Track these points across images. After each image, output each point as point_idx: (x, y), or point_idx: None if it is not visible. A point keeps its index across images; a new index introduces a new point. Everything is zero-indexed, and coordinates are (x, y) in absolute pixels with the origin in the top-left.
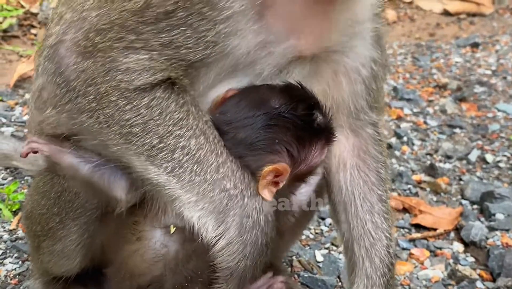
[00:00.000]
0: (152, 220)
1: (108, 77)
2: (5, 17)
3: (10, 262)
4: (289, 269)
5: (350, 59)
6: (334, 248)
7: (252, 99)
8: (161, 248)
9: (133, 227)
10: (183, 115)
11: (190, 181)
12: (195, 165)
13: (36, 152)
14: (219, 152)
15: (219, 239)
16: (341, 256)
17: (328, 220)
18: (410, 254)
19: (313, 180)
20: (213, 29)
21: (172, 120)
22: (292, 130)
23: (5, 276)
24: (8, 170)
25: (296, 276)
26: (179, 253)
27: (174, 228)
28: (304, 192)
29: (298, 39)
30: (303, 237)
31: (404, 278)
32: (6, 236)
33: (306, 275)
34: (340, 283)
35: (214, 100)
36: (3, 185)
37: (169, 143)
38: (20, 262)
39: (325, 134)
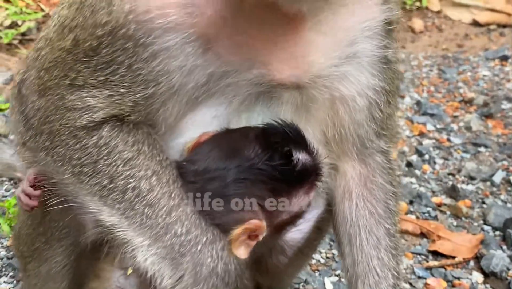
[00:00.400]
0: (112, 260)
1: (58, 115)
2: (23, 21)
3: (4, 281)
4: None
5: (343, 86)
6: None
7: (224, 148)
8: (104, 285)
9: (95, 263)
10: (133, 155)
11: (141, 224)
12: (146, 208)
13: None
14: (173, 194)
15: (174, 287)
16: None
17: None
18: (426, 284)
19: (312, 215)
20: (146, 68)
21: (121, 160)
22: (267, 183)
23: None
24: (12, 181)
25: None
26: None
27: (131, 270)
28: (302, 228)
29: (266, 67)
30: (313, 261)
31: None
32: (2, 253)
33: None
34: None
35: (186, 145)
36: (6, 196)
37: (119, 184)
38: (14, 282)
39: (309, 177)
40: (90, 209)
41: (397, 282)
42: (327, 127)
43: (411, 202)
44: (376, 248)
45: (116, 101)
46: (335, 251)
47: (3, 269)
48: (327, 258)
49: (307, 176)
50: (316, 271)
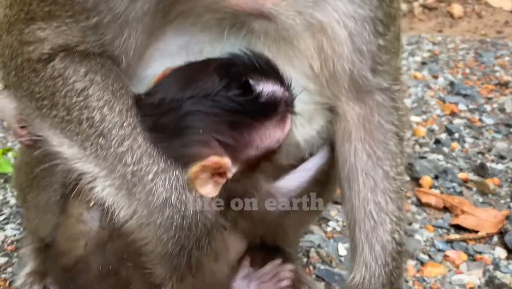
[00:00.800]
0: (77, 194)
1: (19, 50)
2: None
3: (11, 228)
4: (305, 259)
5: (319, 13)
6: None
7: (181, 79)
8: (80, 225)
9: (65, 200)
10: (85, 85)
11: (97, 154)
12: (100, 138)
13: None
14: (125, 124)
15: (130, 219)
16: None
17: None
18: (445, 256)
19: (311, 164)
20: None
21: (74, 92)
22: (223, 116)
23: (3, 241)
24: None
25: (312, 267)
26: (99, 232)
27: (92, 203)
28: (298, 176)
29: None
30: (329, 229)
31: (435, 281)
32: (12, 201)
33: (322, 268)
34: None
35: (151, 81)
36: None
37: (75, 116)
38: (21, 229)
39: (277, 110)
40: (53, 142)
41: (395, 227)
42: (314, 61)
43: (436, 177)
44: (373, 192)
45: (64, 32)
46: None
47: (11, 216)
48: (344, 226)
49: (274, 108)
50: (331, 238)
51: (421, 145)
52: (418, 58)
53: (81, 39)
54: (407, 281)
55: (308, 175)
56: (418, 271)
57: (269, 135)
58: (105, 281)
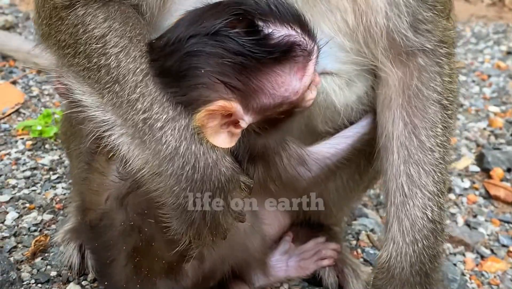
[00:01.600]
0: (101, 146)
1: None
2: None
3: (62, 187)
4: (354, 242)
5: None
6: None
7: (189, 19)
8: (102, 178)
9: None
10: (104, 31)
11: (113, 102)
12: (116, 84)
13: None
14: (137, 70)
15: (142, 169)
16: None
17: None
18: (509, 252)
19: (351, 132)
20: None
21: (94, 38)
22: (225, 56)
23: (52, 199)
24: None
25: (359, 250)
26: (119, 184)
27: (111, 154)
28: (335, 143)
29: None
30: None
31: (495, 276)
32: (67, 162)
33: (372, 252)
34: None
35: None
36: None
37: (94, 62)
38: (71, 188)
39: (289, 55)
40: (77, 91)
41: (428, 202)
42: (348, 15)
43: (508, 170)
44: (406, 163)
45: None
46: None
47: (64, 176)
48: None
49: (285, 53)
50: None
51: (496, 136)
52: (503, 48)
53: None
54: (464, 275)
55: (346, 142)
56: (477, 265)
57: (282, 83)
58: (129, 237)
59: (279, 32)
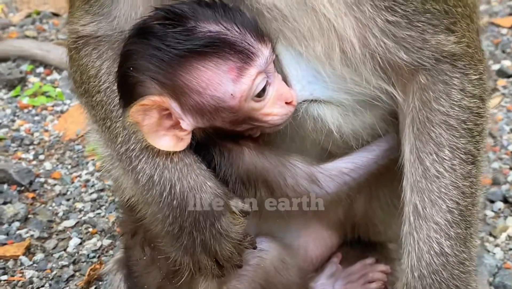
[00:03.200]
0: None
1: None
2: None
3: None
4: None
5: None
6: (491, 239)
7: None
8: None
9: None
10: (96, 71)
11: (108, 138)
12: (107, 120)
13: None
14: (119, 104)
15: (131, 199)
16: (496, 250)
17: (498, 204)
18: None
19: (372, 148)
20: None
21: (91, 78)
22: (151, 52)
23: (113, 222)
24: None
25: None
26: (132, 220)
27: None
28: (352, 158)
29: None
30: None
31: None
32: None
33: None
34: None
35: None
36: None
37: (94, 100)
38: None
39: (217, 53)
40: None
41: (434, 235)
42: (320, 45)
43: None
44: (412, 191)
45: (83, 21)
46: (489, 212)
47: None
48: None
49: (206, 47)
50: None
51: None
52: None
53: (95, 28)
54: None
55: (367, 157)
56: None
57: (208, 80)
58: (150, 274)
59: (205, 27)
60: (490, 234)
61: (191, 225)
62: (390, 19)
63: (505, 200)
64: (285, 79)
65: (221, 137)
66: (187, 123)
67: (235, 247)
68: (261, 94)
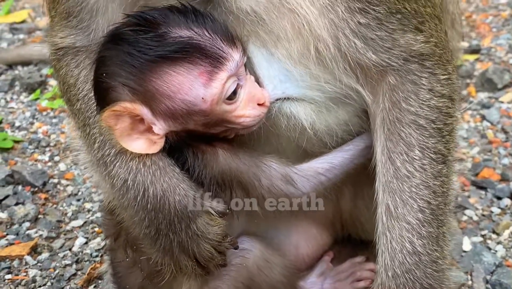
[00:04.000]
0: None
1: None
2: None
3: None
4: None
5: None
6: (494, 236)
7: None
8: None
9: None
10: (75, 80)
11: (87, 144)
12: (86, 127)
13: None
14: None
15: (110, 203)
16: (498, 247)
17: (506, 201)
18: None
19: (348, 146)
20: None
21: (71, 86)
22: (122, 58)
23: None
24: None
25: None
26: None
27: None
28: (328, 158)
29: None
30: (464, 218)
31: None
32: None
33: None
34: (470, 282)
35: None
36: None
37: (75, 108)
38: None
39: (187, 57)
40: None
41: (406, 235)
42: (295, 44)
43: None
44: (384, 191)
45: (62, 34)
46: (495, 209)
47: None
48: (483, 215)
49: (176, 52)
50: (462, 229)
51: None
52: None
53: (73, 40)
54: None
55: (343, 157)
56: None
57: (179, 85)
58: (133, 275)
59: (176, 33)
60: (493, 231)
61: (167, 227)
62: (362, 21)
63: None
64: (257, 80)
65: (194, 140)
66: (159, 127)
67: (215, 247)
68: (232, 97)
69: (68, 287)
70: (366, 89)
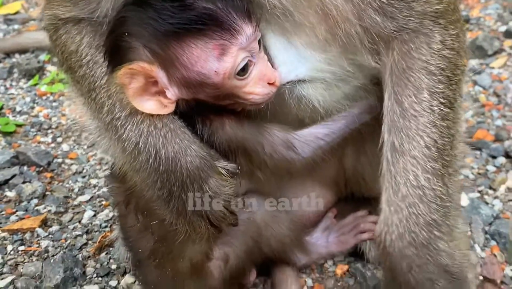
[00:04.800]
0: None
1: (46, 23)
2: None
3: None
4: None
5: None
6: (491, 192)
7: None
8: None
9: None
10: (77, 46)
11: (92, 109)
12: (91, 92)
13: None
14: (103, 74)
15: (122, 167)
16: (495, 201)
17: (500, 160)
18: None
19: (347, 113)
20: None
21: (72, 53)
22: (147, 21)
23: None
24: None
25: None
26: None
27: None
28: (328, 124)
29: None
30: (461, 177)
31: None
32: None
33: None
34: (469, 233)
35: None
36: None
37: (78, 75)
38: None
39: (208, 31)
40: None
41: (411, 168)
42: (317, 29)
43: None
44: (389, 132)
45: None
46: (490, 167)
47: None
48: (479, 174)
49: (198, 24)
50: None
51: None
52: None
53: (76, 13)
54: None
55: (341, 122)
56: None
57: (197, 57)
58: (144, 239)
59: (201, 5)
60: (490, 187)
61: (180, 188)
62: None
63: (507, 155)
64: (271, 61)
65: (203, 109)
66: (172, 93)
67: (226, 207)
68: (243, 73)
69: (80, 255)
70: (381, 48)
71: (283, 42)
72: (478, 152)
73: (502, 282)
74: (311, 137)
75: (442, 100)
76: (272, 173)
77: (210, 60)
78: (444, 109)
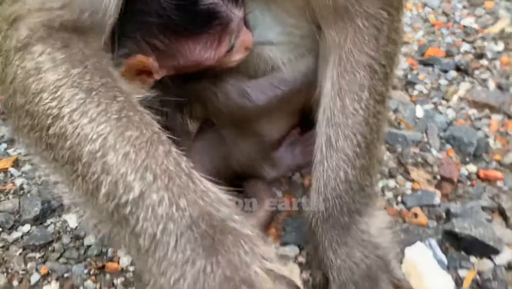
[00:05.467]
0: None
1: None
2: None
3: None
4: None
5: None
6: (444, 102)
7: None
8: None
9: None
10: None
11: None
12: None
13: None
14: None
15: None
16: (448, 110)
17: (452, 73)
18: None
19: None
20: None
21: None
22: (150, 16)
23: None
24: None
25: None
26: None
27: None
28: (267, 91)
29: None
30: (415, 92)
31: None
32: None
33: (396, 132)
34: (426, 139)
35: None
36: None
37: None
38: None
39: (212, 27)
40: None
41: (342, 165)
42: None
43: None
44: (328, 124)
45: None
46: (442, 81)
47: None
48: (432, 88)
49: (205, 23)
50: (411, 103)
51: None
52: None
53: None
54: (487, 136)
55: (299, 72)
56: (502, 125)
57: (199, 51)
58: None
59: (206, 2)
60: (443, 98)
61: None
62: None
63: (457, 69)
64: (247, 24)
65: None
66: (160, 75)
67: None
68: (231, 49)
69: (55, 190)
70: (334, 30)
71: (262, 8)
72: (430, 68)
73: (459, 181)
74: (266, 85)
75: (377, 97)
76: (229, 120)
77: (209, 51)
78: (377, 106)
